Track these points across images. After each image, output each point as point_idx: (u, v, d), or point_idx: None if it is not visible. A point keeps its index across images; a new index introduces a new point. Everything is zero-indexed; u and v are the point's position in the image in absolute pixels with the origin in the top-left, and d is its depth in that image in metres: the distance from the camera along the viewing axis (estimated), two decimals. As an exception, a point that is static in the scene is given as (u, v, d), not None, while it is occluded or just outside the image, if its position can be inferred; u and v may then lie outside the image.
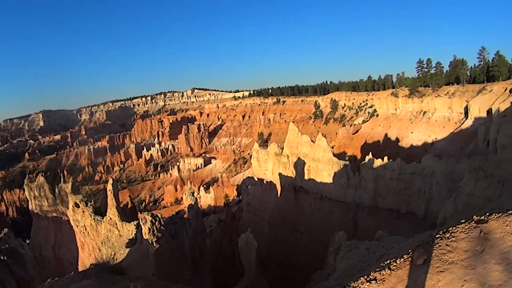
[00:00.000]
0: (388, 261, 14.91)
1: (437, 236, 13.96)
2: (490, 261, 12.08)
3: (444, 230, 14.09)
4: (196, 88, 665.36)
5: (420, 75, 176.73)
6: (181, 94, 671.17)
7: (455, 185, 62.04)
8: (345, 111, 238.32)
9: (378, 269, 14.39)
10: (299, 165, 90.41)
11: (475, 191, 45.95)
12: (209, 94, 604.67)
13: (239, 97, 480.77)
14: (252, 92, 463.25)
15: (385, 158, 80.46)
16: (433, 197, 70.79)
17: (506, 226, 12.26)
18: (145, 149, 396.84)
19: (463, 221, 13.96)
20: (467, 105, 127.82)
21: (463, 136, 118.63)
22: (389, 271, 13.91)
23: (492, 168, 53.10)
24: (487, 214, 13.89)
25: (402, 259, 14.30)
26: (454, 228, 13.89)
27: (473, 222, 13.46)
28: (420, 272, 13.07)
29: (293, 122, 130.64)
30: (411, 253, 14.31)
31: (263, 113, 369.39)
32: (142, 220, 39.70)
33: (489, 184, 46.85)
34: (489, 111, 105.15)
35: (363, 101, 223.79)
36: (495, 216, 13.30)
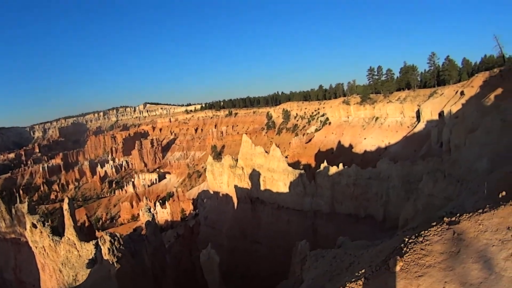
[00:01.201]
0: (363, 270, 14.99)
1: (410, 241, 13.99)
2: (467, 260, 12.19)
3: (417, 234, 14.15)
4: (148, 103, 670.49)
5: (371, 82, 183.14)
6: (133, 109, 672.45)
7: (412, 187, 65.55)
8: (297, 120, 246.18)
9: (353, 279, 14.39)
10: (254, 176, 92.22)
11: (434, 192, 47.06)
12: (161, 108, 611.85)
13: (191, 110, 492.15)
14: (204, 105, 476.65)
15: (340, 165, 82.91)
16: (391, 200, 73.07)
17: (479, 225, 12.22)
18: (99, 166, 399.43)
19: (434, 223, 14.00)
20: (418, 109, 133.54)
21: (416, 139, 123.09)
22: (366, 280, 13.96)
23: (448, 168, 54.14)
24: (458, 215, 14.01)
25: (377, 267, 14.37)
26: (426, 231, 13.97)
27: (445, 224, 13.48)
28: (398, 279, 13.11)
29: (246, 133, 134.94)
30: (386, 260, 14.40)
31: (215, 126, 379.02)
32: (101, 240, 41.06)
33: (448, 183, 47.35)
34: (441, 114, 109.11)
35: (315, 110, 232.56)
36: (467, 216, 13.40)
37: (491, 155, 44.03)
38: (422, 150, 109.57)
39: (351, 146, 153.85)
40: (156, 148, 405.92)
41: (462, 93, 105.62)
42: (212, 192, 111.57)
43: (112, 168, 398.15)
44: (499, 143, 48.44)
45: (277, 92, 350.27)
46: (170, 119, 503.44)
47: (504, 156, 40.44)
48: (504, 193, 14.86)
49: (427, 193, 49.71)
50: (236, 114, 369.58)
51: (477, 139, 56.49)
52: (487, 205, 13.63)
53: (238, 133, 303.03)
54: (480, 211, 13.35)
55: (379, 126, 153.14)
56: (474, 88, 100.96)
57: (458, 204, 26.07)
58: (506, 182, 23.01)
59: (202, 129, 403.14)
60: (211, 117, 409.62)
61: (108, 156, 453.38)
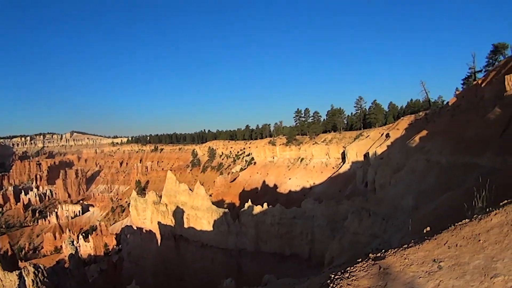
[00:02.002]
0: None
1: (336, 277, 13.44)
2: (395, 292, 12.16)
3: (343, 271, 13.70)
4: (75, 132, 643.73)
5: (298, 124, 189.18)
6: (60, 137, 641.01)
7: (337, 225, 67.44)
8: (222, 159, 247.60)
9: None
10: (178, 213, 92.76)
11: (360, 230, 48.16)
12: (87, 138, 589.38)
13: (117, 143, 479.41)
14: (130, 138, 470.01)
15: (265, 205, 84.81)
16: (316, 238, 74.78)
17: (404, 259, 12.11)
18: (23, 193, 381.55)
19: (360, 260, 13.70)
20: (344, 151, 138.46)
21: (341, 179, 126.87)
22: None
23: (373, 207, 55.84)
24: (384, 250, 13.87)
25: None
26: (352, 267, 13.54)
27: (371, 259, 13.31)
28: (326, 316, 12.20)
29: (171, 170, 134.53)
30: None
31: (140, 160, 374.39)
32: (24, 271, 40.93)
33: (374, 221, 48.67)
34: (366, 155, 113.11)
35: (241, 150, 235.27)
36: (392, 252, 13.27)
37: (416, 193, 46.18)
38: (347, 190, 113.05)
39: (276, 186, 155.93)
40: (80, 179, 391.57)
41: (387, 135, 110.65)
42: (135, 228, 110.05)
43: (36, 196, 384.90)
44: (423, 182, 51.06)
45: (204, 130, 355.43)
46: (96, 150, 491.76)
47: (428, 194, 42.37)
48: (428, 228, 15.10)
49: (352, 231, 51.04)
50: (162, 149, 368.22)
51: (403, 178, 59.30)
52: (412, 240, 13.51)
53: (163, 169, 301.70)
54: (405, 246, 13.14)
55: (304, 166, 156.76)
56: (399, 131, 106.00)
57: (384, 241, 26.55)
58: (430, 218, 23.84)
59: (127, 163, 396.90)
60: (137, 151, 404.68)
61: (32, 183, 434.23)
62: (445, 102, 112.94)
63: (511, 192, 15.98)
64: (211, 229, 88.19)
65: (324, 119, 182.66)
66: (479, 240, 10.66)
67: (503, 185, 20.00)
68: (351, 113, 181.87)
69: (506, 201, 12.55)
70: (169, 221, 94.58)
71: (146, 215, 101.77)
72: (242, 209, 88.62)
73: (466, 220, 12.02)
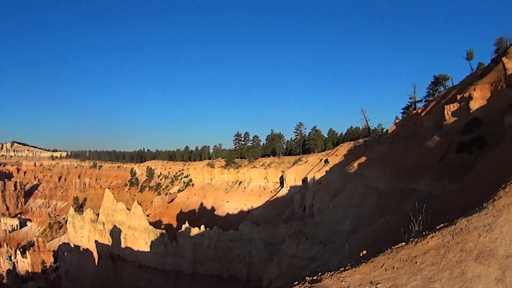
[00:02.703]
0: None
1: None
2: (331, 313, 11.88)
3: None
4: (16, 142, 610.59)
5: (237, 147, 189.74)
6: (0, 146, 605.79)
7: (275, 248, 67.90)
8: (161, 179, 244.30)
9: None
10: (116, 232, 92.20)
11: (297, 253, 48.57)
12: (28, 150, 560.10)
13: (56, 157, 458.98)
14: (69, 153, 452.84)
15: (202, 227, 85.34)
16: (254, 261, 75.15)
17: (341, 282, 11.70)
18: None
19: (296, 283, 12.82)
20: (282, 175, 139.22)
21: (279, 203, 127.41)
22: None
23: (311, 230, 56.45)
24: (320, 274, 13.15)
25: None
26: None
27: (307, 282, 12.61)
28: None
29: (109, 188, 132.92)
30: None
31: (79, 176, 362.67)
32: None
33: (312, 245, 49.12)
34: (304, 180, 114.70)
35: (179, 171, 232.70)
36: (328, 275, 12.74)
37: (354, 217, 47.05)
38: (285, 214, 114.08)
39: (213, 209, 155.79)
40: (19, 192, 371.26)
41: (326, 161, 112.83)
42: (73, 246, 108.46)
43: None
44: (361, 207, 52.15)
45: (143, 149, 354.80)
46: (35, 163, 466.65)
47: (366, 218, 43.17)
48: (365, 251, 15.05)
49: (290, 255, 51.45)
50: (100, 166, 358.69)
51: (341, 203, 60.36)
52: (349, 263, 13.16)
53: (101, 186, 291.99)
54: (342, 269, 12.75)
55: (242, 190, 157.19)
56: (338, 157, 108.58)
57: (322, 264, 26.63)
58: (368, 242, 24.11)
59: (65, 178, 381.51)
60: (76, 167, 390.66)
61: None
62: (384, 130, 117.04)
63: (448, 216, 16.21)
64: (149, 249, 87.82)
65: (263, 144, 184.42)
66: (416, 262, 10.55)
67: (440, 210, 20.43)
68: (291, 138, 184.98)
69: (442, 224, 12.52)
70: (107, 240, 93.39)
71: (84, 233, 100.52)
72: (179, 231, 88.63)
73: (403, 243, 11.93)
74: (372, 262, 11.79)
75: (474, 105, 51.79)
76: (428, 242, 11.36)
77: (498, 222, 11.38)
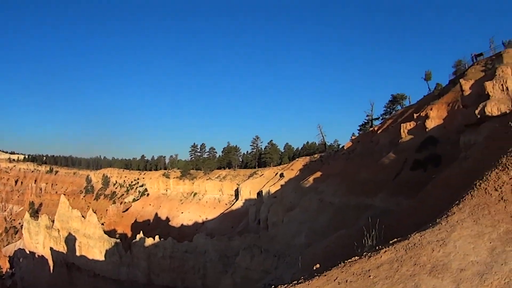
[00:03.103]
0: None
1: None
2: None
3: None
4: None
5: (193, 158, 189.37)
6: None
7: (229, 261, 68.48)
8: (116, 188, 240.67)
9: None
10: (71, 240, 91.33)
11: (251, 266, 48.77)
12: None
13: (14, 159, 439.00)
14: (27, 156, 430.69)
15: (157, 237, 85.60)
16: (208, 273, 75.30)
17: None
18: None
19: None
20: (238, 188, 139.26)
21: (233, 216, 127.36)
22: None
23: (266, 244, 56.56)
24: (273, 286, 13.84)
25: None
26: None
27: None
28: None
29: (65, 194, 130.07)
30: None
31: (35, 180, 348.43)
32: None
33: (266, 258, 49.20)
34: (259, 193, 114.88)
35: (135, 180, 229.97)
36: None
37: (309, 231, 47.35)
38: (239, 226, 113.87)
39: (168, 219, 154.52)
40: None
41: (281, 175, 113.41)
42: (28, 252, 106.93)
43: None
44: (316, 221, 52.55)
45: (100, 156, 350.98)
46: None
47: (320, 232, 43.48)
48: (318, 265, 14.97)
49: (244, 267, 51.69)
50: (57, 172, 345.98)
51: (296, 217, 60.75)
52: (302, 277, 13.10)
53: (57, 192, 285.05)
54: (295, 282, 12.65)
55: (197, 201, 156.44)
56: (294, 171, 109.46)
57: (276, 277, 26.52)
58: (322, 255, 24.14)
59: (22, 182, 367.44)
60: (32, 171, 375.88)
61: None
62: (340, 146, 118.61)
63: (402, 231, 16.30)
64: (103, 258, 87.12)
65: (219, 156, 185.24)
66: (369, 276, 10.52)
67: (394, 225, 20.62)
68: (247, 151, 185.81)
69: (396, 239, 12.57)
70: (62, 247, 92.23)
71: (39, 239, 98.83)
72: (134, 241, 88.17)
73: (356, 257, 11.91)
74: (325, 275, 11.70)
75: (431, 124, 53.21)
76: (381, 256, 11.32)
77: (451, 237, 11.45)
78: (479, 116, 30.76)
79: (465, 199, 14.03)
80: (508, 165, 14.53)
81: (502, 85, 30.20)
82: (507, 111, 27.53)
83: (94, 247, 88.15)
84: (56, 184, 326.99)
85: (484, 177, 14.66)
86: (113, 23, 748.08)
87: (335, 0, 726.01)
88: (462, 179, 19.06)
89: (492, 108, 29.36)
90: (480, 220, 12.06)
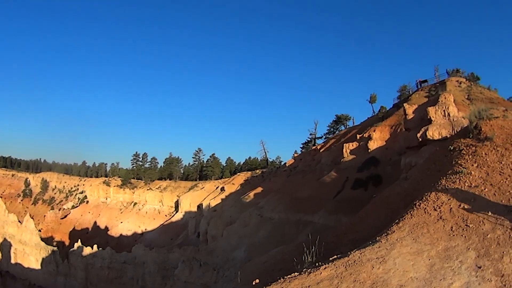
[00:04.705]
0: None
1: None
2: None
3: None
4: None
5: (135, 167, 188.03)
6: None
7: (168, 273, 69.04)
8: (55, 193, 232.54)
9: None
10: (5, 246, 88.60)
11: (190, 279, 48.96)
12: None
13: None
14: None
15: (95, 246, 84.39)
16: (147, 285, 74.50)
17: None
18: None
19: None
20: (178, 200, 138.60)
21: (173, 228, 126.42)
22: None
23: (205, 257, 56.49)
24: None
25: None
26: None
27: None
28: None
29: (1, 197, 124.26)
30: None
31: None
32: None
33: (205, 271, 49.27)
34: (199, 206, 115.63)
35: (75, 186, 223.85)
36: None
37: (248, 246, 47.51)
38: (178, 238, 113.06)
39: (107, 228, 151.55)
40: None
41: (222, 189, 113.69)
42: None
43: None
44: (255, 236, 52.84)
45: (39, 158, 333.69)
46: None
47: (260, 247, 43.63)
48: (258, 280, 14.89)
49: (183, 280, 51.98)
50: None
51: (235, 231, 60.92)
52: None
53: None
54: None
55: (137, 211, 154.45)
56: (235, 186, 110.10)
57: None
58: (261, 270, 24.04)
59: None
60: None
61: None
62: (282, 163, 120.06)
63: (342, 248, 16.41)
64: (39, 267, 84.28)
65: (161, 166, 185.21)
66: (309, 292, 10.23)
67: (334, 242, 20.79)
68: (189, 163, 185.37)
69: (335, 256, 12.62)
70: None
71: None
72: (71, 249, 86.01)
73: (296, 273, 11.75)
74: (263, 291, 11.60)
75: (373, 145, 54.89)
76: (321, 273, 11.29)
77: (391, 254, 11.60)
78: (420, 139, 32.03)
79: (404, 218, 14.31)
80: (447, 186, 15.00)
81: (444, 111, 31.66)
82: (448, 136, 28.74)
83: (30, 255, 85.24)
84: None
85: (424, 198, 15.05)
86: (48, 21, 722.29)
87: (283, 17, 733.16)
88: (402, 199, 19.52)
89: (434, 132, 30.66)
90: (419, 238, 12.31)
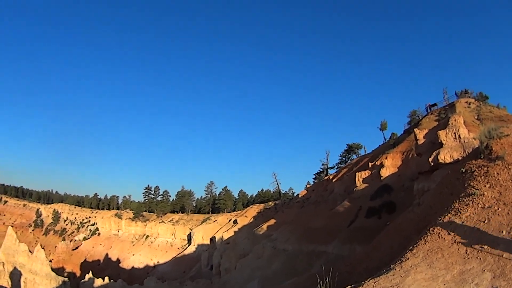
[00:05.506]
0: None
1: None
2: None
3: None
4: None
5: (147, 200, 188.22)
6: None
7: None
8: (66, 224, 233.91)
9: None
10: (16, 275, 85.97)
11: None
12: None
13: None
14: None
15: (106, 278, 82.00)
16: None
17: None
18: None
19: None
20: (190, 233, 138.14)
21: (186, 260, 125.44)
22: None
23: None
24: None
25: None
26: None
27: None
28: None
29: (13, 226, 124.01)
30: None
31: None
32: None
33: None
34: (212, 239, 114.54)
35: (86, 218, 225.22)
36: None
37: (261, 278, 46.72)
38: (191, 271, 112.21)
39: (119, 261, 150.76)
40: None
41: (235, 221, 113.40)
42: None
43: None
44: (269, 268, 52.11)
45: (51, 190, 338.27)
46: None
47: (273, 279, 42.96)
48: None
49: None
50: (6, 202, 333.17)
51: (248, 264, 60.16)
52: None
53: (4, 223, 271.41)
54: None
55: (149, 244, 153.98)
56: (247, 218, 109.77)
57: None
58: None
59: None
60: None
61: None
62: (295, 194, 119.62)
63: (356, 278, 16.05)
64: None
65: (173, 199, 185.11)
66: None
67: (348, 272, 20.42)
68: (201, 196, 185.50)
69: (349, 286, 12.25)
70: (6, 282, 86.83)
71: None
72: (82, 280, 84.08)
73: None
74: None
75: (385, 172, 54.40)
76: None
77: (406, 281, 11.27)
78: (432, 163, 31.64)
79: (418, 244, 13.98)
80: (460, 209, 14.70)
81: (454, 133, 31.36)
82: (459, 158, 28.41)
83: (40, 285, 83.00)
84: (4, 215, 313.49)
85: (437, 222, 14.74)
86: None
87: (291, 47, 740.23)
88: (415, 225, 19.18)
89: (445, 156, 30.29)
90: (434, 263, 11.98)
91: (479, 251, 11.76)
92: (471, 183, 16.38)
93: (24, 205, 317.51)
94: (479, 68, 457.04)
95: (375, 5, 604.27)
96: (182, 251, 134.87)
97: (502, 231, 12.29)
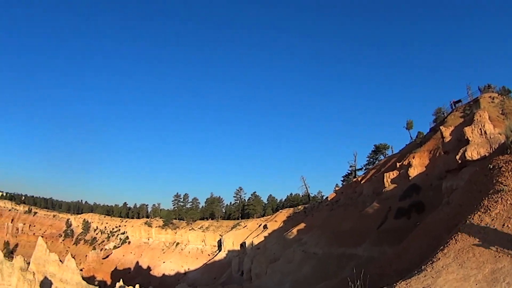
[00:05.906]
0: None
1: None
2: None
3: None
4: None
5: (176, 208, 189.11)
6: None
7: None
8: (97, 234, 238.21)
9: None
10: (46, 284, 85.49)
11: None
12: None
13: None
14: (4, 194, 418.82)
15: (137, 286, 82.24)
16: None
17: None
18: None
19: None
20: (220, 239, 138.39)
21: (216, 267, 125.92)
22: None
23: None
24: None
25: None
26: None
27: None
28: None
29: (43, 237, 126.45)
30: None
31: (12, 220, 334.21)
32: None
33: None
34: (242, 245, 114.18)
35: (116, 227, 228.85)
36: None
37: (292, 282, 46.63)
38: (222, 277, 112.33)
39: (149, 268, 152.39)
40: None
41: (265, 226, 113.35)
42: None
43: None
44: (299, 272, 51.95)
45: (81, 200, 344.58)
46: None
47: (304, 283, 42.78)
48: None
49: None
50: (36, 213, 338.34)
51: (279, 268, 60.02)
52: None
53: (34, 234, 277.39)
54: None
55: (179, 251, 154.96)
56: (277, 223, 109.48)
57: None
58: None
59: None
60: (10, 210, 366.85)
61: None
62: (324, 197, 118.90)
63: (387, 280, 15.94)
64: None
65: (202, 206, 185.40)
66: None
67: (378, 274, 20.26)
68: (230, 202, 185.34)
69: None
70: None
71: (12, 281, 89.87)
72: None
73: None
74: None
75: (413, 172, 53.68)
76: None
77: (437, 282, 11.16)
78: (460, 161, 31.13)
79: (449, 244, 13.81)
80: (490, 206, 14.47)
81: (480, 129, 30.81)
82: (486, 154, 27.91)
83: None
84: (34, 226, 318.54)
85: (467, 221, 14.54)
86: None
87: (316, 51, 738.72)
88: (445, 225, 18.93)
89: (472, 153, 29.78)
90: (465, 263, 11.83)
91: (510, 249, 11.58)
92: (499, 179, 16.11)
93: (54, 215, 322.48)
94: (501, 62, 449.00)
95: (398, 6, 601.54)
96: (213, 258, 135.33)
97: (533, 227, 12.10)
